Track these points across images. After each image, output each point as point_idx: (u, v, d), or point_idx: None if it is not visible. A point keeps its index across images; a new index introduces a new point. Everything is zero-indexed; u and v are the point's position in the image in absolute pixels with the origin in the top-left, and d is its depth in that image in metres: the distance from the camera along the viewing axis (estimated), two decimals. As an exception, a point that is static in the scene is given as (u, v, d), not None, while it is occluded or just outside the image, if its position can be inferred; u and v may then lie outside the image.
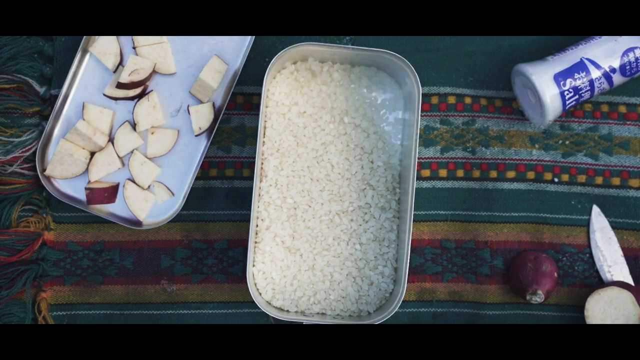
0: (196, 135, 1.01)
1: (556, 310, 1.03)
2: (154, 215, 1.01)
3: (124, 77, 0.99)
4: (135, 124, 1.01)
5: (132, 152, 1.01)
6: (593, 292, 0.99)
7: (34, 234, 1.01)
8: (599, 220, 1.04)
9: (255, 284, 0.99)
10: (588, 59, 0.98)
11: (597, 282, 1.04)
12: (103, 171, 1.00)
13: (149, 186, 1.01)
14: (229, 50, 1.02)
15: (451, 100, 1.04)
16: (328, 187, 1.00)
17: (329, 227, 1.00)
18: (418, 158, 1.04)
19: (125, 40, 1.02)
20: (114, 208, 1.01)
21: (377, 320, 0.95)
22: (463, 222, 1.04)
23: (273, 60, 0.96)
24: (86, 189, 1.00)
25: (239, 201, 1.03)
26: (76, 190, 1.01)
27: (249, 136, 1.04)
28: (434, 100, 1.04)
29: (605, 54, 0.98)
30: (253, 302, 1.00)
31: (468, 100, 1.04)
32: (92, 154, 1.01)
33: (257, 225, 0.99)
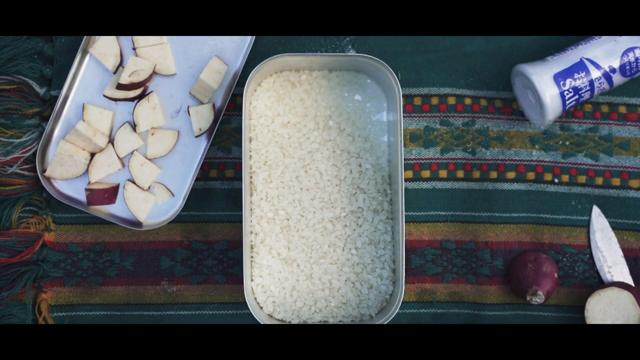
0: (196, 136, 1.01)
1: (556, 310, 1.03)
2: (154, 216, 1.01)
3: (124, 78, 0.99)
4: (135, 125, 1.01)
5: (132, 153, 1.01)
6: (593, 292, 0.99)
7: (34, 235, 1.01)
8: (599, 220, 1.04)
9: (255, 299, 0.99)
10: (588, 59, 0.98)
11: (597, 283, 1.03)
12: (103, 172, 1.00)
13: (149, 187, 1.01)
14: (229, 51, 1.02)
15: (451, 101, 1.04)
16: (319, 195, 1.00)
17: (323, 234, 1.00)
18: (419, 159, 1.04)
19: (125, 41, 1.02)
20: (114, 209, 1.01)
21: (380, 323, 0.95)
22: (463, 222, 1.04)
23: (251, 74, 0.95)
24: (86, 190, 1.00)
25: (239, 202, 1.03)
26: (76, 191, 1.01)
27: (249, 137, 1.04)
28: (434, 101, 1.04)
29: (605, 54, 0.98)
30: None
31: (468, 101, 1.04)
32: (92, 155, 1.01)
33: (251, 240, 0.99)
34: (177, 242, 1.03)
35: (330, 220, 1.00)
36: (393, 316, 0.95)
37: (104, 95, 1.01)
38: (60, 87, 1.01)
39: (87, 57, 1.01)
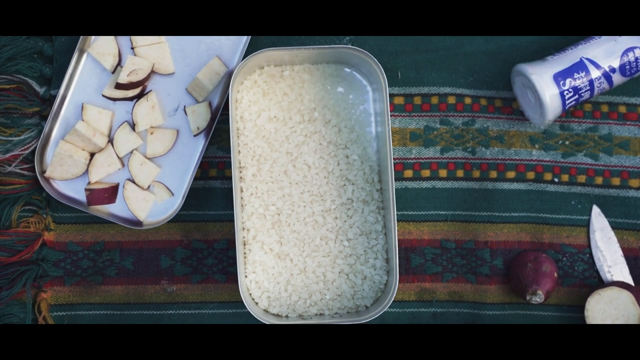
0: (194, 135, 1.01)
1: (556, 310, 1.03)
2: (153, 215, 1.01)
3: (123, 78, 0.99)
4: (134, 125, 1.01)
5: (131, 152, 1.01)
6: (593, 292, 0.99)
7: (34, 234, 1.01)
8: (599, 220, 1.03)
9: (250, 294, 0.99)
10: (588, 59, 0.98)
11: (597, 282, 1.03)
12: (103, 172, 1.00)
13: (148, 186, 1.01)
14: (226, 50, 1.02)
15: (451, 100, 1.04)
16: (308, 189, 1.00)
17: (315, 228, 1.00)
18: (419, 158, 1.04)
19: (124, 40, 1.02)
20: (114, 208, 1.01)
21: (376, 313, 0.95)
22: (463, 222, 1.04)
23: (235, 70, 0.95)
24: (86, 189, 1.00)
25: (238, 201, 1.03)
26: (76, 192, 1.01)
27: (249, 136, 1.04)
28: (434, 100, 1.04)
29: (605, 53, 0.98)
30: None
31: (468, 100, 1.04)
32: (92, 154, 1.01)
33: (244, 237, 0.99)
34: (176, 241, 1.03)
35: (321, 213, 1.00)
36: (388, 305, 0.94)
37: (103, 95, 1.01)
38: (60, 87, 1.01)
39: (85, 57, 1.01)
